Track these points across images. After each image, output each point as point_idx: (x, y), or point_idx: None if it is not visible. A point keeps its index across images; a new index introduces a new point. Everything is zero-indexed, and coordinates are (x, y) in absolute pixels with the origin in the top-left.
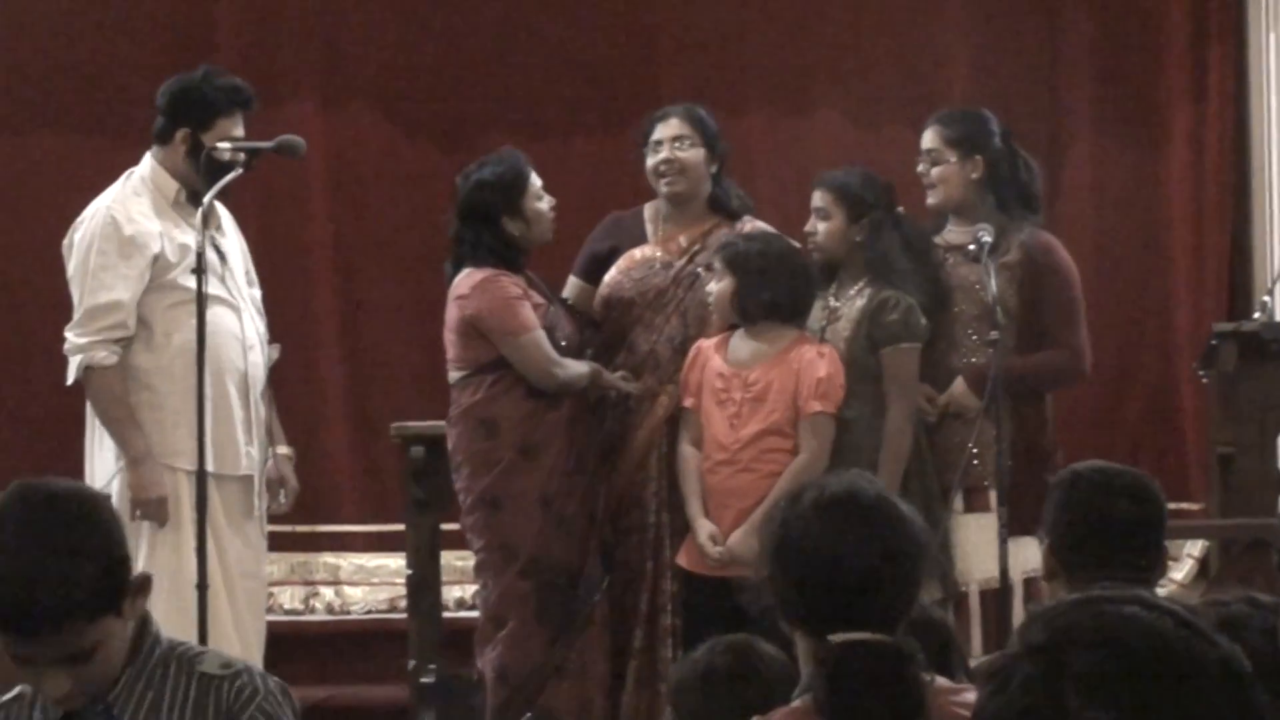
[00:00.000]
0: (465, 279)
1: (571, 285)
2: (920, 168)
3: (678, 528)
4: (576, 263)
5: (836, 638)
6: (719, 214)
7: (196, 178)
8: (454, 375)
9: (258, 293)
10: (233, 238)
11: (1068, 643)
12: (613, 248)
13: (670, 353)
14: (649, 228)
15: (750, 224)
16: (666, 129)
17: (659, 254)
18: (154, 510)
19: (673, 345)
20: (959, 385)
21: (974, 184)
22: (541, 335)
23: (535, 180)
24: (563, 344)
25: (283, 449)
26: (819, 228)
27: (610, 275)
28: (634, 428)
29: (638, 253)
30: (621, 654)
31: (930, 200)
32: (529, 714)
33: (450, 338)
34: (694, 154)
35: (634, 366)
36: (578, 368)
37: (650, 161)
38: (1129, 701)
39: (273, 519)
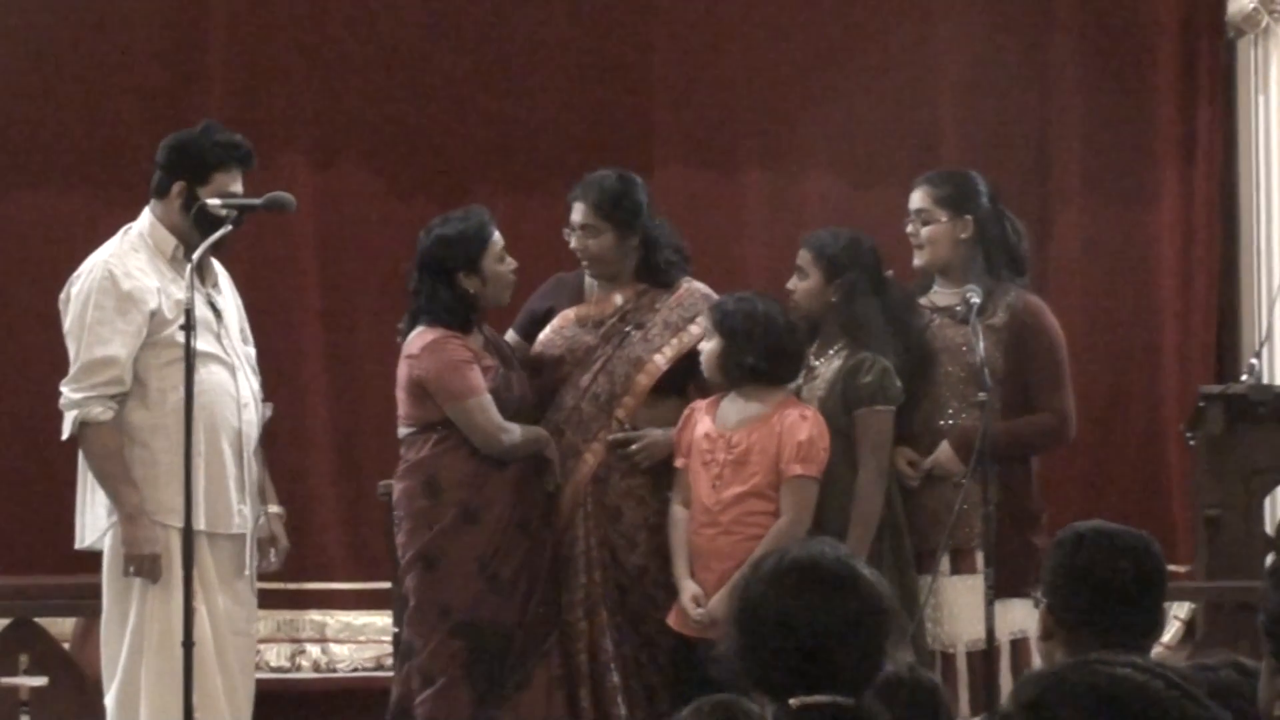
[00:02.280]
0: (417, 338)
1: (508, 338)
2: (910, 228)
3: (610, 588)
4: (516, 319)
5: (796, 701)
6: (649, 280)
7: (192, 232)
8: (402, 431)
9: (253, 350)
10: (229, 295)
11: (1058, 699)
12: (550, 308)
13: (595, 410)
14: (587, 289)
15: (687, 285)
16: (575, 214)
17: (591, 313)
18: (147, 567)
19: (597, 403)
20: (944, 450)
21: (962, 244)
22: (487, 400)
23: (497, 240)
24: (512, 407)
25: (274, 507)
26: (798, 286)
27: (544, 334)
28: (561, 487)
29: (571, 312)
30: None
31: (918, 261)
32: None
33: (400, 395)
34: (600, 242)
35: (559, 423)
36: (526, 433)
37: (570, 242)
38: None
39: (261, 576)
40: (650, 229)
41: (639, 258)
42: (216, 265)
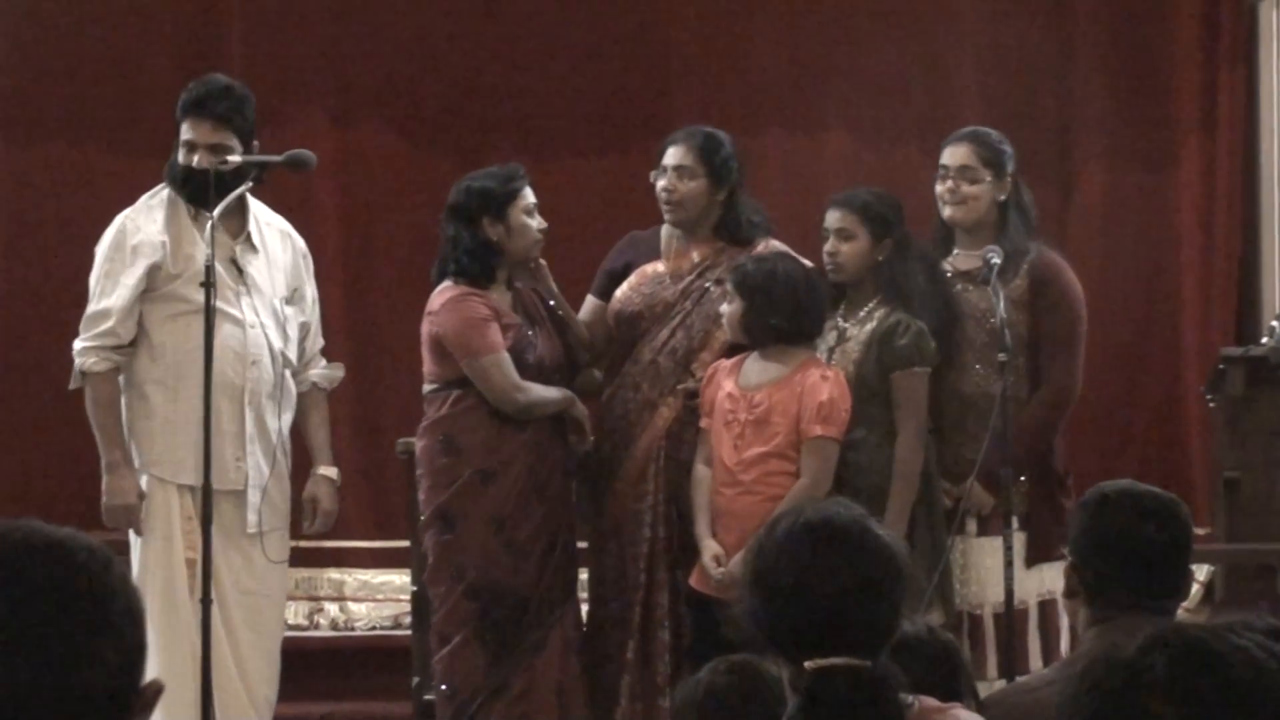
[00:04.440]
0: (438, 295)
1: (587, 304)
2: (948, 183)
3: (674, 544)
4: (594, 283)
5: (812, 664)
6: (727, 238)
7: (183, 187)
8: (425, 388)
9: (291, 310)
10: (277, 252)
11: (1161, 647)
12: (627, 264)
13: (672, 365)
14: (664, 246)
15: (764, 245)
16: (671, 156)
17: (669, 269)
18: (120, 517)
19: (674, 357)
20: (976, 490)
21: (997, 205)
22: (504, 358)
23: (528, 195)
24: (533, 367)
25: (324, 469)
26: (841, 249)
27: (621, 290)
28: (634, 440)
29: (649, 269)
30: (604, 669)
31: (952, 214)
32: None
33: (424, 352)
34: (693, 186)
35: (635, 377)
36: (544, 393)
37: (657, 185)
38: (1208, 713)
39: (298, 537)
40: (738, 189)
41: (719, 215)
42: (262, 222)
